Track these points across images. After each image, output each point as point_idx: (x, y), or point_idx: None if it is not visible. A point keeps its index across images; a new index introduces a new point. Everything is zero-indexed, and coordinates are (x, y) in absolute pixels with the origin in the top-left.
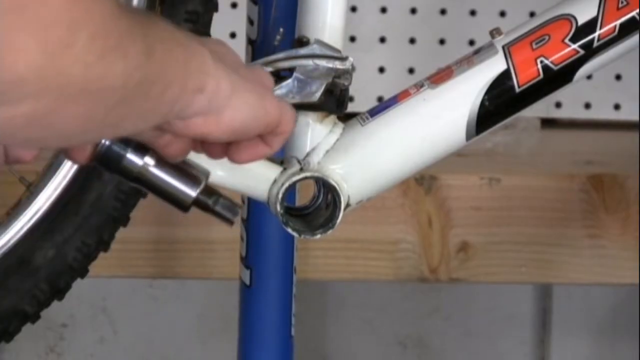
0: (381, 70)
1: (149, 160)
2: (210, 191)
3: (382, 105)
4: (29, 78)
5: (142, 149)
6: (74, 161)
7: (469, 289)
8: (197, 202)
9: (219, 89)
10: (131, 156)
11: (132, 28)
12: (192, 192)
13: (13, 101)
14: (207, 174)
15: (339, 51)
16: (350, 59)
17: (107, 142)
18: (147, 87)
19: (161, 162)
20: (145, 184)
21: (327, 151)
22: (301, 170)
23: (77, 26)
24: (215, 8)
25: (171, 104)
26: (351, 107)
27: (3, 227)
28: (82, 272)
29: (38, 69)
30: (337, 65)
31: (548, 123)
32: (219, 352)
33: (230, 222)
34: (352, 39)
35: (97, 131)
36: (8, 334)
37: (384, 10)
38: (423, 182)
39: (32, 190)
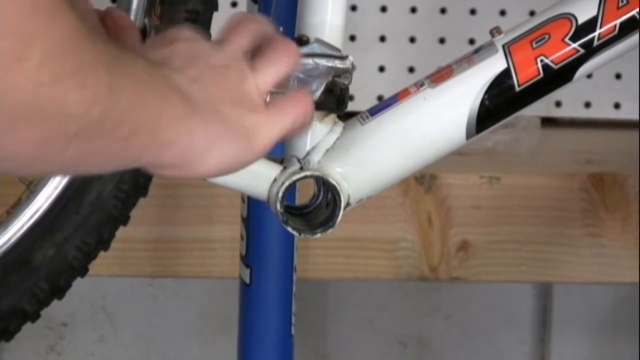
0: (381, 69)
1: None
2: None
3: (382, 104)
4: None
5: None
6: None
7: (469, 288)
8: None
9: (192, 145)
10: None
11: (97, 57)
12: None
13: None
14: None
15: (339, 50)
16: (350, 58)
17: None
18: (111, 127)
19: None
20: None
21: (327, 150)
22: (301, 169)
23: (30, 40)
24: (215, 7)
25: (139, 152)
26: (351, 106)
27: (3, 226)
28: (82, 271)
29: None
30: (337, 64)
31: (548, 122)
32: (219, 351)
33: None
34: (352, 38)
35: (58, 163)
36: (8, 333)
37: (384, 9)
38: (423, 181)
39: (32, 189)
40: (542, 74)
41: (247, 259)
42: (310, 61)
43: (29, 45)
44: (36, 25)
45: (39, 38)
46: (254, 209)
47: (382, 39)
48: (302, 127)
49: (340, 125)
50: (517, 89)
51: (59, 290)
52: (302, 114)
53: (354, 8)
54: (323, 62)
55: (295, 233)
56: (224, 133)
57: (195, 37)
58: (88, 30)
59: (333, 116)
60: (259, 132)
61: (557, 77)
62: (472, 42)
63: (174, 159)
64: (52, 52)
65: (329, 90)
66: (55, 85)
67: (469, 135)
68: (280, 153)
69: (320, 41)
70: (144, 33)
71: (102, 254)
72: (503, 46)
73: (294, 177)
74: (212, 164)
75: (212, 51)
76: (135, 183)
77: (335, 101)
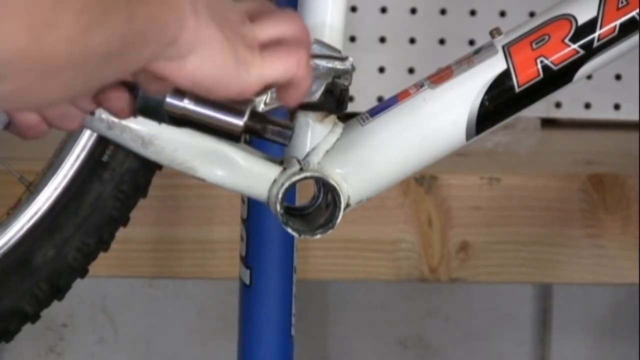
0: (381, 70)
1: (188, 100)
2: (258, 116)
3: (382, 105)
4: (15, 59)
5: (178, 91)
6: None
7: (468, 289)
8: (247, 130)
9: (190, 41)
10: (170, 100)
11: None
12: (240, 121)
13: None
14: (250, 101)
15: (338, 51)
16: (350, 59)
17: (144, 94)
18: (127, 50)
19: (201, 99)
20: (191, 124)
21: (327, 151)
22: (301, 170)
23: (61, 5)
24: None
25: (147, 59)
26: (351, 107)
27: (3, 227)
28: (82, 272)
29: (23, 51)
30: (337, 65)
31: (548, 123)
32: (219, 352)
33: (284, 144)
34: (352, 39)
35: (78, 94)
36: (8, 333)
37: (384, 10)
38: (423, 181)
39: (32, 190)
40: (542, 75)
41: (247, 260)
42: (310, 62)
43: (60, 9)
44: None
45: (67, 0)
46: (254, 210)
47: (382, 40)
48: (293, 81)
49: (340, 126)
50: (517, 89)
51: (58, 291)
52: (294, 64)
53: (353, 9)
54: (323, 63)
55: (295, 234)
56: (219, 43)
57: None
58: None
59: (333, 117)
60: (250, 67)
61: (557, 78)
62: (472, 43)
63: (171, 53)
64: (80, 9)
65: (329, 91)
66: (84, 37)
67: (468, 136)
68: (280, 154)
69: (320, 42)
70: None
71: (102, 254)
72: (503, 47)
73: (294, 178)
74: (201, 66)
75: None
76: (135, 184)
77: (335, 102)
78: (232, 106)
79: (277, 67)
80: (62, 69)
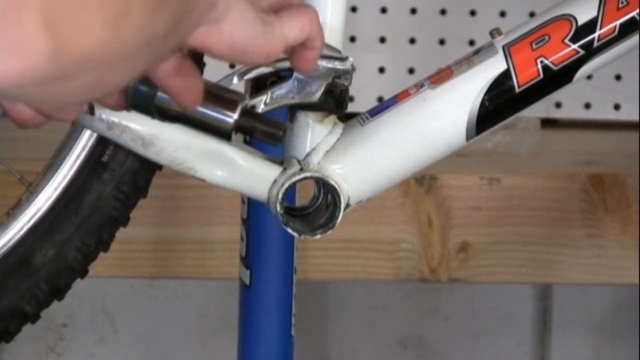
0: (381, 70)
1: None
2: (250, 115)
3: (382, 106)
4: (94, 54)
5: None
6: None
7: (469, 289)
8: (237, 128)
9: (228, 6)
10: (162, 94)
11: None
12: (230, 119)
13: (75, 77)
14: (243, 97)
15: (339, 51)
16: (350, 59)
17: (136, 86)
18: (180, 22)
19: None
20: (182, 120)
21: (327, 151)
22: (301, 170)
23: None
24: None
25: (192, 28)
26: (351, 107)
27: (3, 227)
28: (82, 272)
29: (102, 43)
30: (337, 65)
31: (548, 123)
32: (219, 352)
33: (275, 144)
34: (352, 39)
35: (137, 76)
36: (8, 334)
37: (384, 10)
38: (423, 182)
39: (32, 190)
40: (542, 75)
41: (247, 260)
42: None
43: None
44: None
45: None
46: (254, 210)
47: (382, 40)
48: (308, 40)
49: (340, 126)
50: (517, 90)
51: (58, 291)
52: (307, 22)
53: (354, 9)
54: (323, 63)
55: (295, 234)
56: (246, 5)
57: None
58: None
59: (333, 117)
60: (274, 26)
61: (557, 78)
62: (472, 43)
63: (211, 17)
64: None
65: (329, 91)
66: (152, 20)
67: (469, 137)
68: (280, 154)
69: None
70: None
71: (102, 255)
72: (503, 47)
73: (294, 178)
74: (236, 28)
75: None
76: (135, 184)
77: (335, 102)
78: (225, 99)
79: (294, 25)
80: (133, 55)
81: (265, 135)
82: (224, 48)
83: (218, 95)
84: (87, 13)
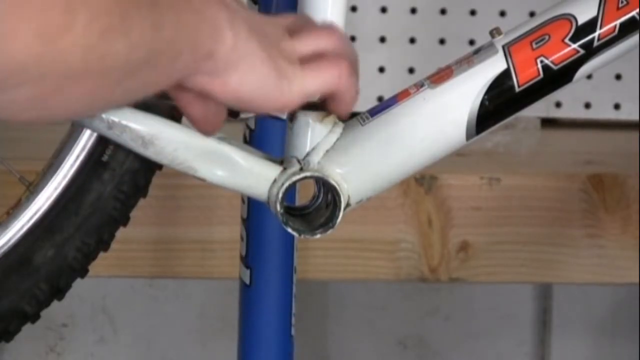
0: (381, 70)
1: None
2: None
3: (382, 105)
4: (29, 65)
5: None
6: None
7: (469, 289)
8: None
9: (229, 55)
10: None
11: (139, 2)
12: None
13: (13, 87)
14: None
15: None
16: None
17: None
18: (155, 60)
19: None
20: None
21: (327, 151)
22: (301, 170)
23: (74, 9)
24: None
25: (181, 71)
26: None
27: (3, 227)
28: (82, 272)
29: (37, 55)
30: None
31: (548, 123)
32: (219, 352)
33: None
34: (352, 38)
35: (105, 106)
36: (8, 333)
37: (384, 10)
38: (423, 181)
39: (32, 190)
40: (542, 75)
41: (247, 260)
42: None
43: (74, 13)
44: None
45: (82, 3)
46: (254, 210)
47: (382, 39)
48: (337, 93)
49: (340, 126)
50: (517, 89)
51: (58, 291)
52: (336, 77)
53: (354, 9)
54: None
55: (295, 234)
56: (260, 57)
57: (243, 5)
58: None
59: (333, 117)
60: (293, 79)
61: (557, 78)
62: (472, 42)
63: (211, 69)
64: (95, 13)
65: None
66: (101, 43)
67: (468, 136)
68: (280, 154)
69: None
70: None
71: (102, 254)
72: (503, 47)
73: (294, 178)
74: (244, 81)
75: (256, 15)
76: (135, 184)
77: None
78: None
79: (318, 80)
80: (81, 76)
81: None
82: (230, 98)
83: None
84: (19, 20)
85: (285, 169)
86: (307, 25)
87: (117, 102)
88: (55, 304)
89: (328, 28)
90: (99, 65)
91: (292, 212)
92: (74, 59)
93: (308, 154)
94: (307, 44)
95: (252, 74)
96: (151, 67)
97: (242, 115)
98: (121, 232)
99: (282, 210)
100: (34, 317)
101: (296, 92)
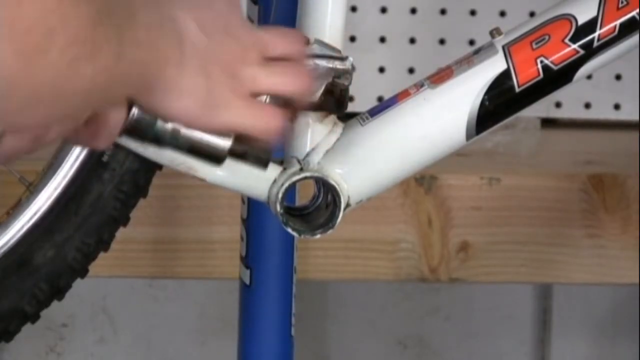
0: (381, 70)
1: (177, 123)
2: (242, 139)
3: (382, 105)
4: (1, 82)
5: None
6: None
7: (469, 289)
8: (231, 153)
9: (170, 86)
10: (161, 121)
11: (108, 34)
12: (226, 144)
13: None
14: None
15: (339, 51)
16: (350, 58)
17: (136, 114)
18: (109, 88)
19: None
20: (178, 146)
21: (327, 151)
22: (301, 170)
23: (53, 34)
24: None
25: (122, 100)
26: (351, 107)
27: (3, 227)
28: (82, 272)
29: (11, 75)
30: (337, 65)
31: (548, 123)
32: (218, 352)
33: (263, 167)
34: (352, 38)
35: (68, 123)
36: (8, 333)
37: (384, 10)
38: (423, 181)
39: (32, 190)
40: (542, 75)
41: (247, 260)
42: (310, 62)
43: (52, 37)
44: (60, 17)
45: (61, 29)
46: (254, 210)
47: (382, 39)
48: (255, 133)
49: (340, 126)
50: (517, 89)
51: (58, 291)
52: (271, 127)
53: (354, 9)
54: (323, 63)
55: (295, 234)
56: (200, 85)
57: (236, 6)
58: (97, 9)
59: (333, 117)
60: (225, 110)
61: (557, 78)
62: (472, 43)
63: (155, 93)
64: (73, 39)
65: (329, 91)
66: (71, 68)
67: (468, 136)
68: (280, 154)
69: (320, 42)
70: None
71: (102, 254)
72: (503, 47)
73: (294, 178)
74: (180, 107)
75: (239, 24)
76: (135, 184)
77: (335, 102)
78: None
79: (252, 120)
80: (45, 97)
81: (256, 160)
82: (173, 119)
83: None
84: (1, 37)
85: (285, 169)
86: (290, 57)
87: (77, 118)
88: (55, 304)
89: (301, 69)
90: (63, 89)
91: (292, 212)
92: (43, 81)
93: (308, 154)
94: (271, 81)
95: (187, 102)
96: (104, 94)
97: None
98: (121, 232)
99: (282, 211)
100: (34, 317)
101: (221, 122)
